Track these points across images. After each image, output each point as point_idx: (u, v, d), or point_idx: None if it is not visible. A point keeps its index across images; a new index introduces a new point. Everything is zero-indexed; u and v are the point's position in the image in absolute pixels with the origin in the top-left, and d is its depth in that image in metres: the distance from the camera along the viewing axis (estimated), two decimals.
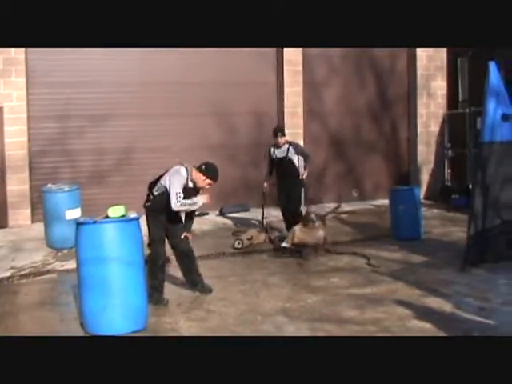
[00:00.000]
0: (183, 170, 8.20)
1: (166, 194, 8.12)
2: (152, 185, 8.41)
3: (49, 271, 10.34)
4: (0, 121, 14.36)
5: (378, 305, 7.86)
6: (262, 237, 11.89)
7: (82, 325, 7.34)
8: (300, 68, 16.20)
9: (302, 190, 12.13)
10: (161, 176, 8.40)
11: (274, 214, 13.29)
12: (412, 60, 17.74)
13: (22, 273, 10.28)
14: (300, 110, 16.25)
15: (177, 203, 7.97)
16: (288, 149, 11.79)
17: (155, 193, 8.28)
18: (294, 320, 7.40)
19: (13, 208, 14.17)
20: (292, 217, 11.67)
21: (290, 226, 11.49)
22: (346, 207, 15.59)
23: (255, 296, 8.50)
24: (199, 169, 8.28)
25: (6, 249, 11.98)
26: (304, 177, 11.89)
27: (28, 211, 14.35)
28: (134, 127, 15.14)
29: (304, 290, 8.68)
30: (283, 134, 11.96)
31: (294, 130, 15.96)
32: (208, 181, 8.27)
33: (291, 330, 7.05)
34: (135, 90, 15.13)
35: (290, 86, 16.14)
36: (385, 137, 17.80)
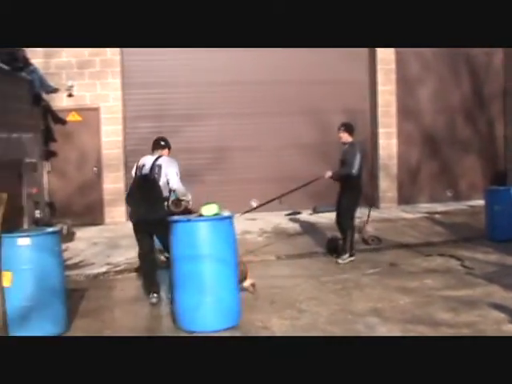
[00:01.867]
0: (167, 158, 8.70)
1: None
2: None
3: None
4: (97, 121, 14.81)
5: (472, 308, 7.70)
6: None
7: (174, 321, 7.52)
8: (393, 66, 16.03)
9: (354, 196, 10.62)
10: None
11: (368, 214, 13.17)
12: (509, 56, 17.29)
13: (118, 269, 10.60)
14: (393, 109, 16.08)
15: (179, 182, 8.40)
16: (347, 150, 10.59)
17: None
18: (385, 321, 7.35)
19: (109, 206, 14.60)
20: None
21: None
22: (439, 207, 15.38)
23: (347, 296, 8.50)
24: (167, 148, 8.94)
25: (102, 245, 12.35)
26: (327, 176, 10.58)
27: (123, 209, 14.73)
28: (226, 126, 15.35)
29: (396, 291, 8.61)
30: (346, 129, 10.73)
31: (387, 128, 15.84)
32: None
33: (383, 330, 7.00)
34: (227, 89, 15.31)
35: (383, 85, 15.99)
36: (480, 135, 17.40)
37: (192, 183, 14.74)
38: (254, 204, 14.83)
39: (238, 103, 15.41)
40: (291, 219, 14.38)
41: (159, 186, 8.45)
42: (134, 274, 10.29)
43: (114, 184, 14.81)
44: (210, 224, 7.22)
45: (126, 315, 8.22)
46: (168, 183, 8.52)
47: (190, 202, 8.61)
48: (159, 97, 15.07)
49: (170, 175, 8.52)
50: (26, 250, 7.14)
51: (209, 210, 7.39)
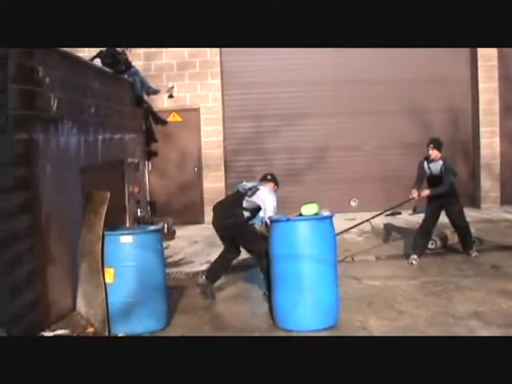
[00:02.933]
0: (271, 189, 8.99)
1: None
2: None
3: (242, 266, 10.68)
4: (197, 121, 15.06)
5: None
6: (456, 237, 11.62)
7: (272, 319, 7.56)
8: (495, 63, 15.59)
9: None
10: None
11: (470, 215, 12.91)
12: None
13: None
14: (496, 107, 15.66)
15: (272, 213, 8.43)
16: (442, 166, 10.49)
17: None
18: (487, 324, 7.18)
19: (208, 205, 14.72)
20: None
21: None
22: None
23: (447, 298, 8.34)
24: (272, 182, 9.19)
25: (202, 244, 12.53)
26: (415, 196, 10.75)
27: None
28: (327, 126, 15.32)
29: (498, 294, 8.38)
30: (436, 147, 10.60)
31: (490, 127, 15.45)
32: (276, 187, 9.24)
33: (484, 334, 6.86)
34: (328, 88, 15.29)
35: (485, 82, 15.59)
36: None
37: (292, 183, 14.90)
38: (354, 204, 14.79)
39: (338, 102, 15.36)
40: (391, 219, 14.22)
41: (243, 202, 8.85)
42: (232, 273, 10.37)
43: (214, 183, 15.01)
44: (309, 223, 7.24)
45: (224, 313, 8.33)
46: (259, 208, 8.81)
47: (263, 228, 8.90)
48: (258, 97, 15.18)
49: (268, 206, 8.65)
50: (128, 248, 7.33)
51: (309, 209, 7.42)
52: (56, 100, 8.10)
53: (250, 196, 8.85)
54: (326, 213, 7.45)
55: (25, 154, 7.17)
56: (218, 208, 9.20)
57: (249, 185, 8.98)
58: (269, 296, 8.06)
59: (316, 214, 7.37)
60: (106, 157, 10.47)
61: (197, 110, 15.10)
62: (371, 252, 11.32)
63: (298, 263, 7.06)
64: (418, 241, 10.73)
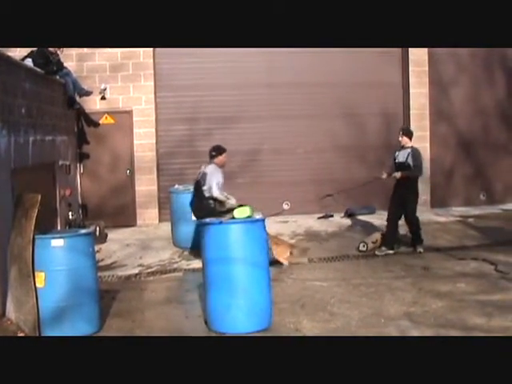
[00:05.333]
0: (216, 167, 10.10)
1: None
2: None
3: (175, 269, 10.67)
4: (130, 123, 14.94)
5: (507, 313, 7.61)
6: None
7: (206, 322, 7.56)
8: (426, 68, 15.90)
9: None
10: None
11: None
12: None
13: (150, 270, 10.67)
14: (426, 112, 15.98)
15: (217, 191, 9.82)
16: (409, 154, 11.17)
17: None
18: (418, 325, 7.32)
19: (141, 208, 14.71)
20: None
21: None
22: (473, 211, 15.27)
23: (379, 299, 8.47)
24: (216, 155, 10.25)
25: (135, 247, 12.44)
26: (384, 177, 11.53)
27: (156, 211, 14.86)
28: (261, 129, 15.37)
29: (429, 295, 8.57)
30: (405, 134, 11.45)
31: (421, 132, 15.73)
32: (225, 154, 10.38)
33: (415, 334, 6.99)
34: (262, 91, 15.35)
35: (416, 87, 15.89)
36: None
37: (225, 186, 14.85)
38: (286, 207, 14.87)
39: (272, 105, 15.41)
40: (323, 222, 14.36)
41: (203, 191, 9.96)
42: (165, 276, 10.36)
43: (147, 186, 14.91)
44: (242, 226, 7.26)
45: (158, 316, 8.27)
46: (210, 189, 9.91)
47: (234, 204, 9.68)
48: (192, 99, 15.14)
49: (212, 185, 9.94)
50: (59, 251, 7.24)
51: (241, 212, 7.45)
52: None
53: (204, 185, 10.00)
54: (258, 216, 7.50)
55: None
56: (191, 204, 10.31)
57: (202, 170, 10.11)
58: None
59: (249, 217, 7.41)
60: (37, 159, 10.31)
61: (129, 112, 14.98)
62: (304, 254, 11.39)
63: (231, 266, 7.07)
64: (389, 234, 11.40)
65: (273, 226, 12.02)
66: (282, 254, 10.68)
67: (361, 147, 15.61)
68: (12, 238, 7.65)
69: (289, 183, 15.39)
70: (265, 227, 7.42)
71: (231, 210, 8.98)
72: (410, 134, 11.53)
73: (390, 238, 11.37)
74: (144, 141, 14.94)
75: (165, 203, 14.10)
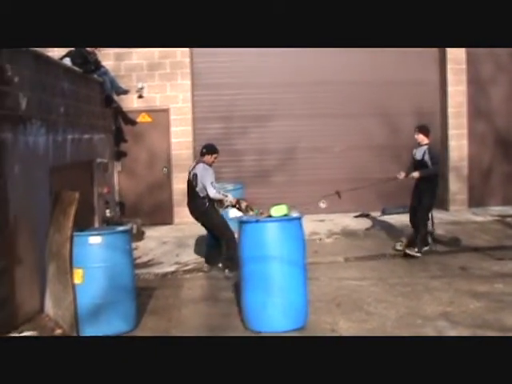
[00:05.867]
0: (205, 166, 9.99)
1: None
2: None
3: (211, 267, 10.67)
4: (167, 122, 15.01)
5: None
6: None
7: (242, 321, 7.56)
8: (464, 66, 15.72)
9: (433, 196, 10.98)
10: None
11: (439, 216, 13.03)
12: None
13: (186, 268, 10.71)
14: (464, 110, 15.80)
15: (213, 190, 9.80)
16: (425, 151, 10.84)
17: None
18: (455, 325, 7.25)
19: (178, 205, 14.74)
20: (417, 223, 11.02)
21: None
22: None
23: (416, 299, 8.40)
24: (206, 153, 10.16)
25: (171, 244, 12.50)
26: (401, 177, 11.05)
27: None
28: (297, 127, 15.33)
29: (466, 295, 8.46)
30: (421, 131, 11.03)
31: (458, 130, 15.59)
32: (215, 155, 10.25)
33: (452, 335, 6.91)
34: (298, 90, 15.31)
35: (454, 85, 15.72)
36: None
37: (261, 184, 14.91)
38: (323, 205, 14.80)
39: (307, 104, 15.38)
40: (360, 220, 14.29)
41: (197, 191, 9.94)
42: (202, 274, 10.38)
43: (184, 184, 14.81)
44: (278, 225, 7.25)
45: (194, 314, 8.30)
46: (205, 189, 9.89)
47: (232, 200, 9.99)
48: (228, 98, 15.17)
49: (207, 186, 9.85)
50: (97, 249, 7.30)
51: (278, 210, 7.43)
52: (25, 99, 8.02)
53: (197, 185, 9.95)
54: (295, 214, 7.47)
55: None
56: (188, 203, 10.29)
57: (192, 171, 10.07)
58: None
59: (285, 216, 7.39)
60: (74, 157, 10.39)
61: (166, 110, 15.05)
62: (340, 253, 11.36)
63: (267, 264, 7.07)
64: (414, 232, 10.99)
65: (309, 224, 12.01)
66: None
67: (396, 146, 15.46)
68: (50, 235, 7.72)
69: (325, 181, 15.29)
70: (302, 225, 7.39)
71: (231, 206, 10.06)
72: (425, 131, 11.09)
73: (421, 238, 10.96)
74: (181, 139, 15.01)
75: None
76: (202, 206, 10.00)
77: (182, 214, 14.63)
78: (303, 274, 7.32)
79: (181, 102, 15.07)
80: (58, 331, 7.32)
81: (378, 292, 8.80)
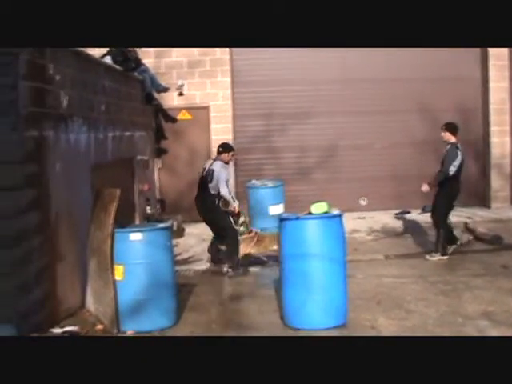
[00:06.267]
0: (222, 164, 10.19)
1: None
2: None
3: (252, 264, 10.68)
4: (207, 119, 15.06)
5: None
6: (465, 237, 11.60)
7: (281, 318, 7.55)
8: (507, 62, 15.49)
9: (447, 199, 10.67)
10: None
11: (480, 214, 12.89)
12: None
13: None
14: (507, 107, 15.57)
15: (226, 188, 10.00)
16: (448, 151, 10.64)
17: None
18: (497, 324, 7.14)
19: None
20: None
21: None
22: None
23: (457, 297, 8.31)
24: (223, 152, 10.30)
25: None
26: (424, 189, 10.64)
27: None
28: (337, 124, 15.29)
29: (509, 294, 8.33)
30: (447, 129, 10.80)
31: (501, 127, 15.39)
32: (232, 153, 10.46)
33: (494, 334, 6.82)
34: (338, 87, 15.27)
35: (496, 81, 15.51)
36: None
37: (301, 181, 14.90)
38: (363, 202, 14.76)
39: (347, 101, 15.32)
40: (400, 218, 14.19)
41: (209, 188, 10.09)
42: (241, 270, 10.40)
43: None
44: (319, 222, 7.22)
45: (233, 311, 8.32)
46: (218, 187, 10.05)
47: (235, 208, 10.24)
48: (268, 95, 15.17)
49: (220, 183, 10.01)
50: (137, 245, 7.34)
51: (318, 208, 7.40)
52: (66, 97, 8.10)
53: (211, 181, 10.10)
54: (335, 211, 7.44)
55: (35, 152, 7.17)
56: (196, 200, 10.53)
57: (206, 168, 10.23)
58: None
59: (325, 213, 7.36)
60: (115, 154, 10.46)
61: (206, 107, 15.12)
62: (380, 251, 11.30)
63: (307, 261, 7.05)
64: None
65: (350, 221, 11.98)
66: (268, 247, 10.58)
67: (437, 143, 15.24)
68: (91, 232, 7.81)
69: (366, 179, 15.27)
70: (342, 223, 7.36)
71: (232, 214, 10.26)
72: (451, 129, 10.81)
73: (439, 241, 10.68)
74: (221, 136, 15.02)
75: (242, 198, 14.16)
76: (212, 203, 10.17)
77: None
78: (343, 271, 7.28)
79: (221, 100, 15.12)
80: (99, 327, 7.41)
81: (418, 290, 8.73)
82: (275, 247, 9.96)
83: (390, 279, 9.38)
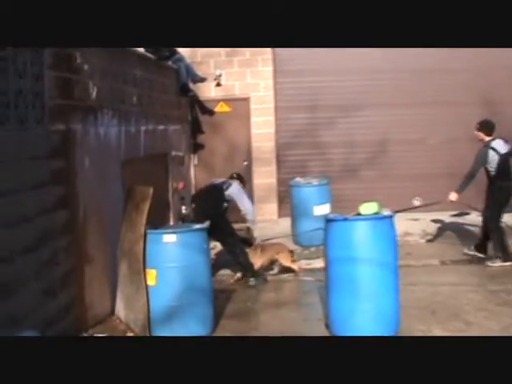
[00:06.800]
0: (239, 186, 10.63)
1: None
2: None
3: (294, 269, 10.65)
4: (247, 111, 15.05)
5: None
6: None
7: (326, 327, 7.52)
8: None
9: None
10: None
11: None
12: None
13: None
14: None
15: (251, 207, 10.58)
16: (478, 151, 10.78)
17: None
18: None
19: (259, 202, 14.76)
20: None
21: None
22: None
23: None
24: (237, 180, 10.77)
25: None
26: (452, 198, 10.86)
27: (275, 205, 14.94)
28: (388, 117, 15.13)
29: None
30: (479, 128, 10.86)
31: None
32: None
33: None
34: (389, 77, 15.12)
35: None
36: None
37: (349, 179, 14.80)
38: (417, 203, 14.59)
39: (399, 92, 15.16)
40: (458, 220, 14.01)
41: (223, 195, 10.29)
42: (284, 276, 10.37)
43: (265, 179, 15.00)
44: (368, 223, 7.15)
45: (274, 319, 8.29)
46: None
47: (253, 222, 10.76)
48: (313, 85, 15.10)
49: (244, 201, 10.44)
50: (172, 247, 7.37)
51: (368, 208, 7.33)
52: (95, 88, 8.16)
53: (226, 189, 10.33)
54: (386, 212, 7.37)
55: (62, 146, 7.23)
56: (196, 197, 10.95)
57: (218, 181, 10.65)
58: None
59: (375, 214, 7.29)
60: (148, 149, 10.51)
61: (246, 99, 15.11)
62: (435, 256, 11.18)
63: (356, 266, 6.99)
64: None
65: (402, 223, 11.82)
66: (287, 260, 10.63)
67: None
68: (122, 233, 7.85)
69: (420, 177, 15.10)
70: (393, 224, 7.29)
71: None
72: (484, 128, 10.80)
73: (496, 245, 10.62)
74: (262, 130, 15.04)
75: (285, 197, 14.15)
76: (220, 211, 10.29)
77: (264, 210, 14.69)
78: (395, 277, 7.21)
79: (262, 91, 15.10)
80: (130, 335, 7.43)
81: (478, 299, 8.62)
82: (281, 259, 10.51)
83: (447, 287, 9.28)
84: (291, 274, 10.41)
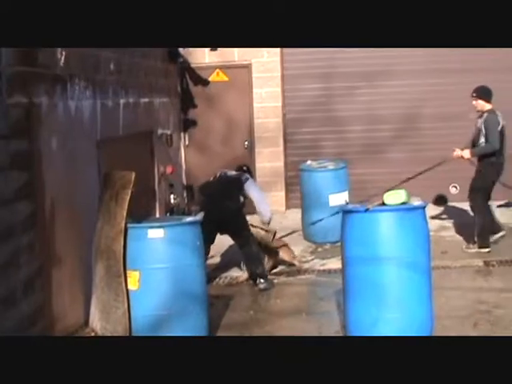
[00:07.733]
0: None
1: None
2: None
3: (306, 270, 10.67)
4: (248, 81, 15.00)
5: None
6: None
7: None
8: None
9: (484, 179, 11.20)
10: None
11: None
12: None
13: (273, 271, 10.70)
14: None
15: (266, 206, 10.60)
16: (482, 122, 11.09)
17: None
18: None
19: (264, 190, 14.73)
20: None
21: None
22: None
23: None
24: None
25: None
26: (466, 157, 11.24)
27: (282, 194, 14.92)
28: (419, 87, 15.05)
29: None
30: (479, 96, 11.25)
31: None
32: None
33: None
34: None
35: None
36: None
37: (371, 162, 14.76)
38: (454, 190, 14.57)
39: (433, 56, 15.05)
40: (506, 211, 13.96)
41: (243, 189, 10.33)
42: (293, 279, 10.37)
43: (271, 162, 14.98)
44: (395, 215, 7.14)
45: (282, 331, 8.25)
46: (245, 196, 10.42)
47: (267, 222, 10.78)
48: (328, 49, 15.00)
49: (263, 204, 10.52)
50: (158, 245, 7.39)
51: (394, 197, 7.29)
52: (64, 54, 8.11)
53: (245, 182, 10.39)
54: (416, 202, 7.34)
55: (23, 124, 7.19)
56: (210, 189, 10.61)
57: (231, 172, 10.64)
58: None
59: (403, 204, 7.25)
60: (129, 127, 10.51)
61: (248, 66, 15.08)
62: (478, 255, 11.13)
63: (380, 267, 6.98)
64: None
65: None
66: (288, 255, 10.92)
67: None
68: (98, 228, 7.83)
69: (457, 160, 15.05)
70: (426, 217, 7.27)
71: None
72: (484, 95, 11.23)
73: (479, 229, 11.14)
74: (267, 104, 15.00)
75: (294, 184, 14.11)
76: (239, 206, 10.39)
77: (269, 200, 14.56)
78: (427, 281, 7.20)
79: (266, 56, 15.05)
80: None
81: None
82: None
83: (492, 293, 9.27)
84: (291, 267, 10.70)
